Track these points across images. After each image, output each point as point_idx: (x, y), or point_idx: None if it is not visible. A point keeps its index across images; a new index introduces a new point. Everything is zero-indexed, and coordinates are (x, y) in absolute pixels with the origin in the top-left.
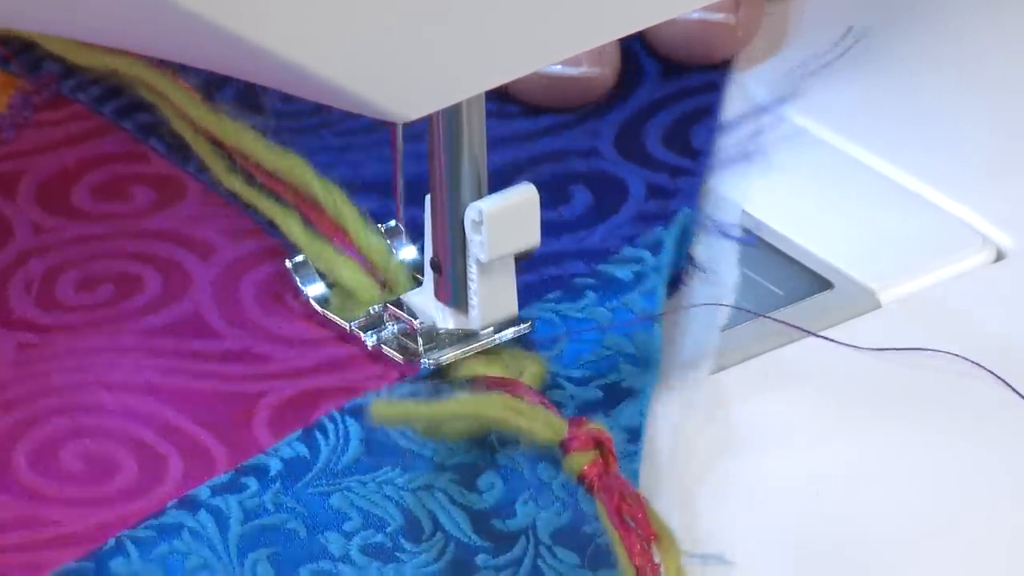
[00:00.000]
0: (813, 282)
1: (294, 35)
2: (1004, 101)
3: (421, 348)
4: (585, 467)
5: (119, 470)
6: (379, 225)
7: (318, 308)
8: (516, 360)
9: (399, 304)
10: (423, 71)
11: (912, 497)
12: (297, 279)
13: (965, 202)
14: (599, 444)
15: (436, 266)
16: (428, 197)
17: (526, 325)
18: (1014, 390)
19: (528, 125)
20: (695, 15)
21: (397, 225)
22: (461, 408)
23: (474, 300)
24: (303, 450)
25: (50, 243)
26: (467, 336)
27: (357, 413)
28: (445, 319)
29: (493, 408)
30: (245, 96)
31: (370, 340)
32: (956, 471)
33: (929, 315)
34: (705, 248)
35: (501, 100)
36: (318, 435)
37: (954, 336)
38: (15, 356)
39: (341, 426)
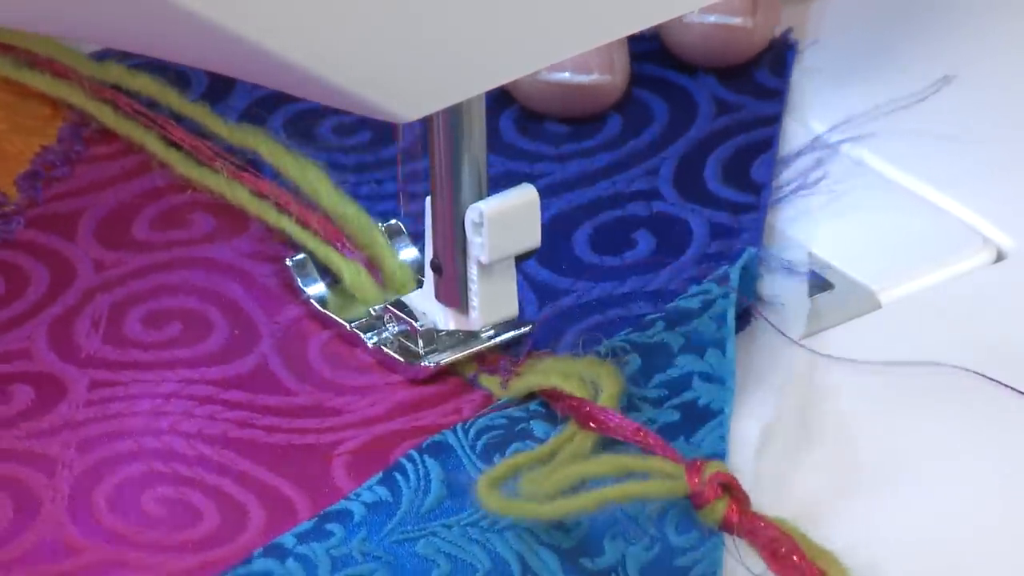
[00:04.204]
0: (813, 282)
1: (294, 35)
2: (1004, 101)
3: (422, 349)
4: (725, 516)
5: (200, 517)
6: (380, 224)
7: (318, 308)
8: (591, 370)
9: (400, 305)
10: (423, 71)
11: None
12: (297, 279)
13: (965, 202)
14: (727, 487)
15: (437, 267)
16: (428, 198)
17: (527, 327)
18: (1015, 390)
19: (584, 165)
20: (712, 18)
21: (398, 224)
22: (579, 504)
23: (475, 301)
24: (385, 493)
25: (113, 278)
26: (468, 337)
27: (436, 452)
28: (446, 320)
29: (611, 488)
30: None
31: (370, 341)
32: (966, 472)
33: (929, 316)
34: (772, 286)
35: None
36: (398, 477)
37: (954, 336)
38: (88, 395)
39: (421, 466)
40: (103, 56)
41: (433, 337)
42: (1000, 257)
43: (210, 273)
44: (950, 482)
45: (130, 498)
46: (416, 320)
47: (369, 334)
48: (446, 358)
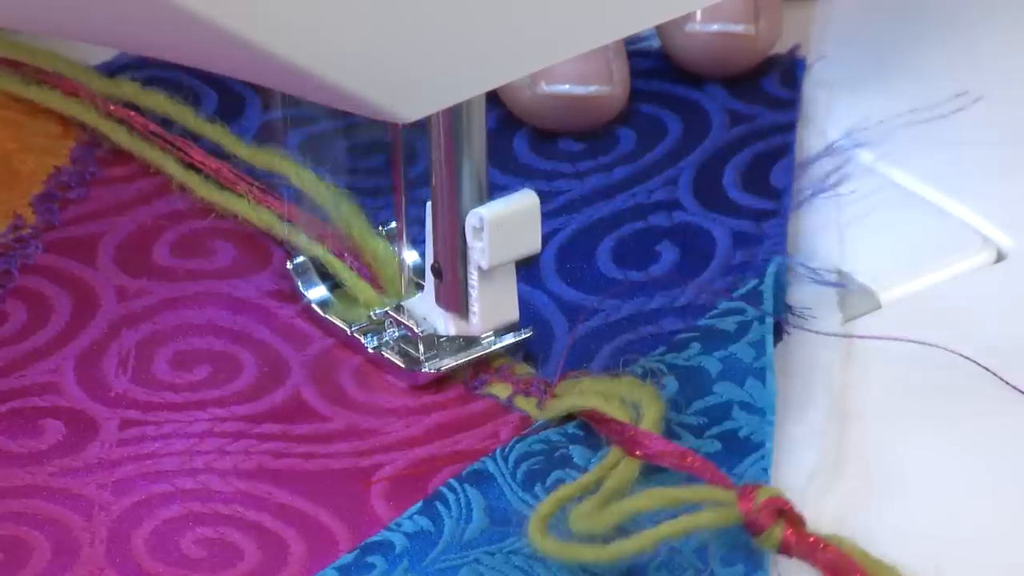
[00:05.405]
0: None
1: (294, 35)
2: (1004, 101)
3: (422, 355)
4: (783, 539)
5: (241, 555)
6: (380, 228)
7: (319, 312)
8: (631, 392)
9: (400, 310)
10: (423, 71)
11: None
12: (298, 282)
13: (965, 202)
14: (782, 511)
15: (437, 272)
16: (429, 203)
17: (527, 332)
18: (1016, 388)
19: (602, 179)
20: (715, 27)
21: (398, 228)
22: (636, 545)
23: (475, 307)
24: (426, 523)
25: (138, 310)
26: (468, 343)
27: (476, 481)
28: (446, 325)
29: (665, 525)
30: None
31: (371, 345)
32: (961, 471)
33: (930, 315)
34: (800, 295)
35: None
36: (439, 507)
37: (955, 336)
38: (120, 434)
39: (462, 495)
40: (113, 71)
41: (434, 342)
42: (1000, 257)
43: (236, 314)
44: (958, 483)
45: (169, 541)
46: (417, 325)
47: (369, 338)
48: (447, 364)
